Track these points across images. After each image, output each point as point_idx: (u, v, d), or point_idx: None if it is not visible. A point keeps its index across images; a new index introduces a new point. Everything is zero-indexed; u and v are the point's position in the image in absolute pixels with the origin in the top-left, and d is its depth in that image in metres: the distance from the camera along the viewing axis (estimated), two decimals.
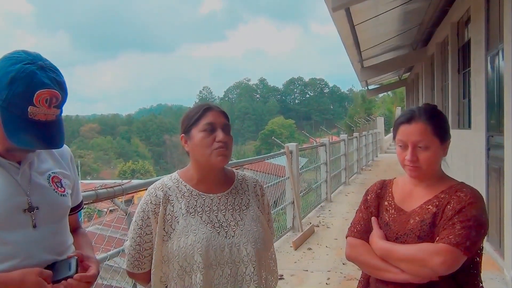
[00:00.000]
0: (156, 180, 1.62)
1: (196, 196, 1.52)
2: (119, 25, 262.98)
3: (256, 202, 1.61)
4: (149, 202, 1.51)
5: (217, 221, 1.50)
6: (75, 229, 1.50)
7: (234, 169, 1.69)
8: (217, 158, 1.47)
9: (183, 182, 1.54)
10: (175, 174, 1.59)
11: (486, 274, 3.97)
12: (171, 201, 1.50)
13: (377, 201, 1.58)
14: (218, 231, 1.48)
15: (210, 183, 1.54)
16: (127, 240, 1.56)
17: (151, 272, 1.49)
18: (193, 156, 1.52)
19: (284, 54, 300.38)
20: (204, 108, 1.51)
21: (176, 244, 1.45)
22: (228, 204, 1.54)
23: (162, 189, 1.52)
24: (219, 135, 1.47)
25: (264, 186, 5.94)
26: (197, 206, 1.50)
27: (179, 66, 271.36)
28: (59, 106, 1.21)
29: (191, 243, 1.44)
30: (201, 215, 1.49)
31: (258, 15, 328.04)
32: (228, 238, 1.48)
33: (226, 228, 1.49)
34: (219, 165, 1.50)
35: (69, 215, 1.46)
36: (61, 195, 1.34)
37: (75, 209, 1.50)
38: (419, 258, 1.35)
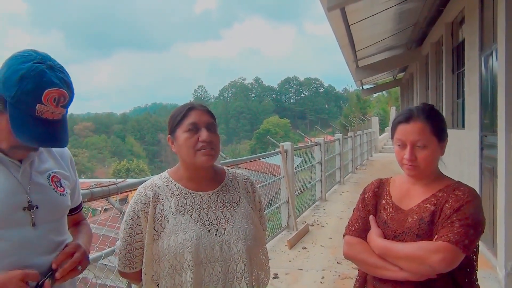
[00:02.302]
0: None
1: (186, 195, 1.51)
2: (113, 24, 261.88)
3: (247, 199, 1.60)
4: (139, 201, 1.50)
5: (207, 219, 1.49)
6: (79, 222, 1.53)
7: (224, 167, 1.68)
8: (202, 158, 1.46)
9: (172, 181, 1.54)
10: (165, 173, 1.59)
11: (479, 273, 3.97)
12: (161, 200, 1.50)
13: (374, 199, 1.59)
14: (208, 229, 1.48)
15: (199, 181, 1.54)
16: (118, 240, 1.56)
17: (142, 271, 1.49)
18: (180, 157, 1.52)
19: (279, 53, 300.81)
20: (187, 108, 1.51)
21: (166, 242, 1.45)
22: (219, 201, 1.54)
23: (151, 189, 1.52)
24: (203, 134, 1.46)
25: (259, 185, 5.90)
26: (187, 204, 1.50)
27: (174, 65, 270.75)
28: (66, 106, 1.23)
29: (181, 241, 1.44)
30: (191, 214, 1.49)
31: (253, 14, 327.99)
32: (218, 236, 1.48)
33: (216, 226, 1.49)
34: (205, 165, 1.49)
35: (71, 215, 1.48)
36: (60, 195, 1.35)
37: (76, 210, 1.51)
38: (418, 256, 1.36)
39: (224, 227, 1.50)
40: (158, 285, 1.48)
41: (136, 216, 1.49)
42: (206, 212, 1.50)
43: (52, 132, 1.22)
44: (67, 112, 1.25)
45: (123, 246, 1.51)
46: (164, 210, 1.49)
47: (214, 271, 1.45)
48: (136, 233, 1.50)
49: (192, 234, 1.45)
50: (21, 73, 1.16)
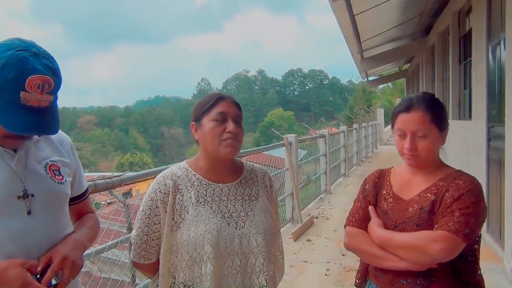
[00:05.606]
0: (161, 170, 1.58)
1: (205, 186, 1.49)
2: (113, 16, 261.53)
3: (265, 193, 1.59)
4: (158, 191, 1.47)
5: (227, 211, 1.48)
6: (85, 214, 1.50)
7: (243, 160, 1.66)
8: (225, 149, 1.45)
9: (192, 171, 1.52)
10: (183, 163, 1.56)
11: (486, 265, 3.98)
12: (181, 190, 1.47)
13: (375, 190, 1.58)
14: (228, 221, 1.46)
15: (219, 173, 1.52)
16: (133, 230, 1.53)
17: (160, 262, 1.47)
18: (202, 145, 1.50)
19: (283, 45, 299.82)
20: (218, 97, 1.49)
21: (186, 234, 1.43)
22: (238, 194, 1.52)
23: (171, 178, 1.49)
24: (230, 125, 1.45)
25: None
26: (207, 195, 1.48)
27: (176, 57, 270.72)
28: (52, 92, 1.20)
29: (202, 233, 1.42)
30: (211, 205, 1.47)
31: (255, 5, 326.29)
32: (238, 229, 1.46)
33: (236, 218, 1.48)
34: (227, 157, 1.47)
35: (75, 203, 1.46)
36: (58, 183, 1.33)
37: (81, 197, 1.49)
38: (418, 245, 1.35)
39: (244, 220, 1.48)
40: (174, 277, 1.46)
41: (155, 206, 1.47)
42: (226, 204, 1.49)
43: (40, 120, 1.20)
44: (56, 98, 1.23)
45: (139, 236, 1.49)
46: (184, 200, 1.46)
47: (234, 264, 1.44)
48: (154, 223, 1.47)
49: (213, 226, 1.43)
50: (3, 61, 1.14)
